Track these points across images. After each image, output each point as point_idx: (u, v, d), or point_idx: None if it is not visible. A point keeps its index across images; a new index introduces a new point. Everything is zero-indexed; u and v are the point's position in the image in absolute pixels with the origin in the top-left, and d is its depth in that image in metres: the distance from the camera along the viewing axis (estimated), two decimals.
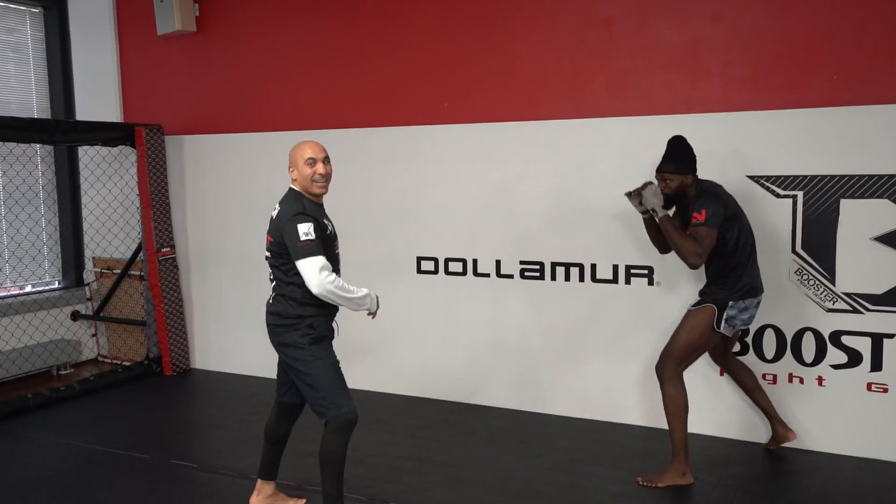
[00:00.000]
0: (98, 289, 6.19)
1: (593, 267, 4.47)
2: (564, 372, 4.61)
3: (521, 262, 4.68)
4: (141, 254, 5.75)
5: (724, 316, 3.30)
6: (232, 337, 5.79)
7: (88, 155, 5.87)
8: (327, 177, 2.86)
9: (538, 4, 4.58)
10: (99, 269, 6.22)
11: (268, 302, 2.97)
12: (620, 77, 4.35)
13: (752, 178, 4.02)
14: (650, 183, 3.35)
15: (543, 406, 4.67)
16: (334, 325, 2.99)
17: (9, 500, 3.52)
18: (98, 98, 6.04)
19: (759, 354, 4.09)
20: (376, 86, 5.07)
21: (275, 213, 2.89)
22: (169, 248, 5.68)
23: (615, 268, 4.41)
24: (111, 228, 6.04)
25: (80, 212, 6.20)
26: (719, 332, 3.32)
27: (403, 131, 4.96)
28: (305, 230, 2.69)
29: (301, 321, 2.84)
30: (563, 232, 4.52)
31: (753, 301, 3.39)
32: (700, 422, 3.95)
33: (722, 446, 4.08)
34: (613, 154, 4.38)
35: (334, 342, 2.98)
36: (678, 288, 4.27)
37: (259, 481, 3.16)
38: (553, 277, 4.60)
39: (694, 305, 3.41)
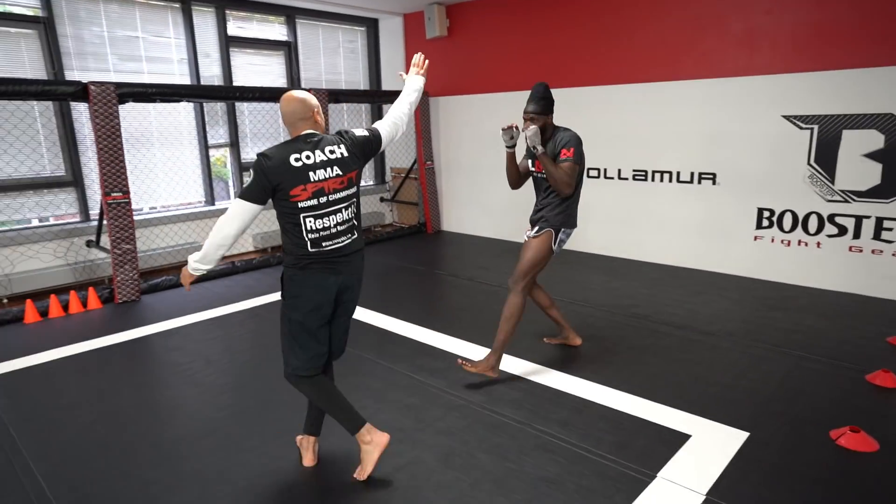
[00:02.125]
0: (392, 184, 7.63)
1: (677, 173, 5.13)
2: (672, 238, 5.31)
3: (633, 170, 5.39)
4: (415, 164, 7.10)
5: (558, 239, 2.95)
6: (464, 212, 6.95)
7: (387, 109, 7.38)
8: None
9: (655, 12, 5.06)
10: (393, 174, 7.58)
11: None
12: (704, 54, 4.84)
13: (784, 116, 4.50)
14: (530, 125, 2.85)
15: (628, 252, 5.49)
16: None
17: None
18: (394, 76, 7.14)
19: (780, 227, 4.65)
20: (549, 67, 5.77)
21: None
22: (430, 162, 7.00)
23: (692, 173, 5.05)
24: (400, 150, 7.39)
25: None
26: (552, 252, 2.96)
27: (568, 92, 5.64)
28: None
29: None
30: (671, 149, 5.14)
31: (573, 230, 3.04)
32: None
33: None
34: (697, 101, 4.91)
35: None
36: (740, 188, 4.84)
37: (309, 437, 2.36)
38: (652, 179, 5.29)
39: (535, 234, 2.98)
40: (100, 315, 4.40)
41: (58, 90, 4.19)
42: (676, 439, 2.52)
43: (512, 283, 2.99)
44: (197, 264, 2.04)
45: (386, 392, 3.01)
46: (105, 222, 4.65)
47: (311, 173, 1.95)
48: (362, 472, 2.20)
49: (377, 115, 7.46)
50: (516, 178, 3.12)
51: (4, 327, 4.12)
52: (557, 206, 2.94)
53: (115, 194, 4.50)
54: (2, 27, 4.73)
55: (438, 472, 2.31)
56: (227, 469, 2.37)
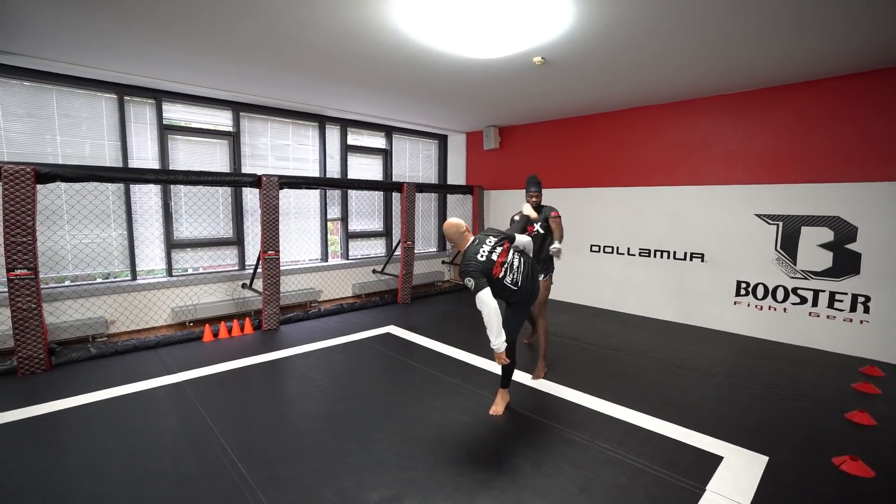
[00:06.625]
0: (451, 251, 7.62)
1: (674, 252, 5.10)
2: (670, 300, 5.26)
3: (640, 248, 5.39)
4: None
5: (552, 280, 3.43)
6: None
7: (450, 199, 7.51)
8: None
9: (651, 133, 5.18)
10: (451, 246, 7.72)
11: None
12: (692, 167, 4.93)
13: (757, 215, 4.51)
14: (553, 254, 3.24)
15: (634, 308, 5.39)
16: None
17: (429, 321, 5.18)
18: (457, 175, 7.31)
19: (755, 296, 4.55)
20: (576, 171, 5.94)
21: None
22: None
23: (686, 253, 5.01)
24: None
25: (443, 222, 7.64)
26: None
27: (589, 190, 5.82)
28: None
29: None
30: (669, 235, 5.15)
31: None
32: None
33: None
34: (688, 201, 4.94)
35: None
36: (723, 265, 4.81)
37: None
38: (654, 256, 5.25)
39: (544, 278, 3.41)
40: (253, 338, 4.49)
41: (242, 179, 4.49)
42: (713, 460, 2.44)
43: (539, 311, 3.41)
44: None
45: (447, 398, 2.97)
46: (260, 271, 4.83)
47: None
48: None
49: (443, 202, 7.64)
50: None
51: (191, 343, 4.24)
52: (548, 256, 3.39)
53: (270, 252, 4.69)
54: (209, 139, 5.13)
55: (535, 478, 2.27)
56: (380, 440, 2.36)
